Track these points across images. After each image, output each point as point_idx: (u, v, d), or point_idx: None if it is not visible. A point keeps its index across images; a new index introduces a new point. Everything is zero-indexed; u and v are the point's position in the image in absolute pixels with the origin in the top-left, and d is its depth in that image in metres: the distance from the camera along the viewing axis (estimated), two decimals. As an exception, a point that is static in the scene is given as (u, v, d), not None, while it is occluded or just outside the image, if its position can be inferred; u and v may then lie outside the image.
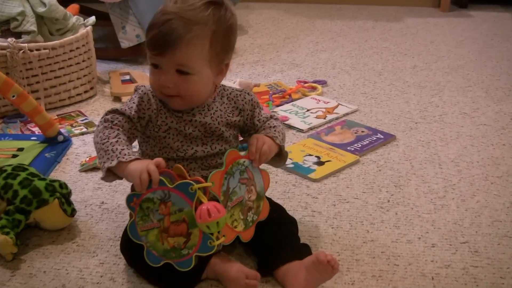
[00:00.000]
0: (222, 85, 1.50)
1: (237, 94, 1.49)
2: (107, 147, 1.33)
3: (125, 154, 1.31)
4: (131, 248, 1.39)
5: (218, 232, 1.32)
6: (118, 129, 1.36)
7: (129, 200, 1.35)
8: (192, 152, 1.42)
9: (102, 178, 1.35)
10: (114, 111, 1.39)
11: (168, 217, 1.32)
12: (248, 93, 1.51)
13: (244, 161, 1.41)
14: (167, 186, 1.31)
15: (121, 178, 1.34)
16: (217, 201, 1.32)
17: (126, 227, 1.40)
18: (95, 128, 2.13)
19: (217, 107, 1.46)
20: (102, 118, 1.40)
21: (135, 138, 1.43)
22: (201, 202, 1.30)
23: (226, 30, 1.39)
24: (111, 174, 1.33)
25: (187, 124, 1.42)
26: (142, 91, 1.42)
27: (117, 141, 1.33)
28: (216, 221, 1.27)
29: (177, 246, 1.32)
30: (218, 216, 1.27)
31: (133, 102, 1.41)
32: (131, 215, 1.36)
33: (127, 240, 1.39)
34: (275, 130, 1.48)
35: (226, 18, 1.38)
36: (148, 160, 1.31)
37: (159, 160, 1.31)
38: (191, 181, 1.30)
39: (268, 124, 1.50)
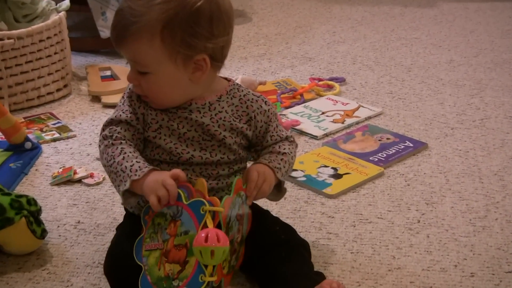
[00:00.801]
0: (237, 84, 1.54)
1: (251, 99, 1.52)
2: (116, 168, 1.41)
3: (136, 170, 1.39)
4: (118, 270, 1.42)
5: (213, 267, 1.34)
6: (120, 143, 1.44)
7: (146, 212, 1.42)
8: (188, 157, 1.46)
9: (123, 204, 1.43)
10: (109, 123, 1.48)
11: (173, 239, 1.37)
12: (266, 102, 1.54)
13: (243, 194, 1.45)
14: (182, 202, 1.37)
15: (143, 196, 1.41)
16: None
17: (111, 244, 1.45)
18: (70, 133, 2.16)
19: (221, 108, 1.49)
20: (100, 135, 1.48)
21: (142, 142, 1.49)
22: (207, 227, 1.34)
23: (189, 17, 1.40)
24: (131, 196, 1.41)
25: (182, 122, 1.46)
26: (130, 89, 1.50)
27: (123, 158, 1.41)
28: (211, 249, 1.30)
29: (170, 275, 1.35)
30: (215, 244, 1.31)
31: (125, 104, 1.49)
32: (141, 231, 1.42)
33: (113, 261, 1.43)
34: (281, 159, 1.52)
35: (190, 2, 1.40)
36: (165, 173, 1.38)
37: (177, 172, 1.38)
38: (204, 201, 1.36)
39: (279, 148, 1.54)
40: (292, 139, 1.58)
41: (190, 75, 1.44)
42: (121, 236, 1.51)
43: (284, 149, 1.54)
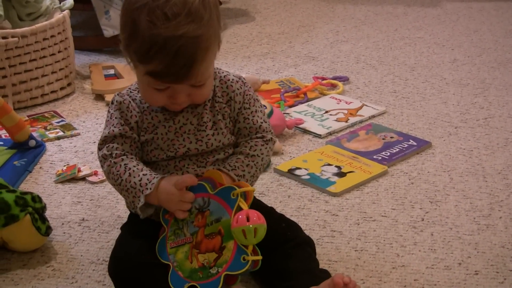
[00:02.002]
0: (216, 68, 1.55)
1: (232, 79, 1.54)
2: (125, 186, 1.44)
3: (146, 184, 1.43)
4: (123, 271, 1.43)
5: (254, 247, 1.37)
6: (122, 159, 1.46)
7: (166, 211, 1.45)
8: (184, 151, 1.49)
9: (142, 217, 1.46)
10: (104, 141, 1.49)
11: (203, 229, 1.40)
12: (245, 84, 1.55)
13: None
14: (208, 193, 1.42)
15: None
16: None
17: (116, 244, 1.47)
18: (74, 131, 2.17)
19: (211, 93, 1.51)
20: (99, 156, 1.50)
21: (140, 148, 1.51)
22: (241, 209, 1.38)
23: (216, 5, 1.43)
24: (147, 208, 1.44)
25: (178, 116, 1.49)
26: (117, 101, 1.51)
27: (130, 175, 1.44)
28: (254, 227, 1.34)
29: (206, 265, 1.38)
30: (257, 222, 1.34)
31: (115, 118, 1.50)
32: (162, 231, 1.45)
33: (118, 262, 1.44)
34: (247, 165, 1.51)
35: (215, 6, 1.43)
36: (173, 179, 1.42)
37: (185, 180, 1.41)
38: (234, 186, 1.40)
39: (250, 149, 1.53)
40: (268, 137, 1.55)
41: None
42: (125, 237, 1.52)
43: (255, 150, 1.53)
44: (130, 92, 1.53)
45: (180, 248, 1.41)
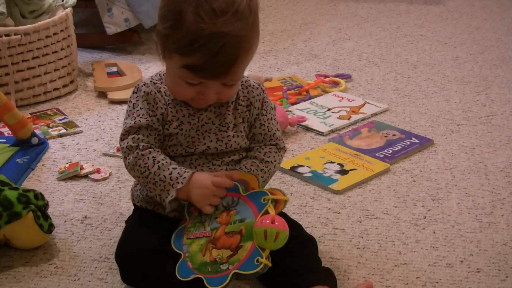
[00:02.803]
0: None
1: (252, 85, 1.56)
2: (153, 179, 1.44)
3: (176, 178, 1.43)
4: (129, 255, 1.43)
5: (270, 253, 1.37)
6: (149, 152, 1.45)
7: (191, 203, 1.46)
8: (203, 148, 1.50)
9: (168, 211, 1.46)
10: (128, 132, 1.47)
11: (224, 226, 1.41)
12: (263, 90, 1.57)
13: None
14: (239, 193, 1.44)
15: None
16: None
17: (123, 232, 1.51)
18: (76, 129, 2.17)
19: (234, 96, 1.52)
20: (123, 147, 1.47)
21: (162, 141, 1.50)
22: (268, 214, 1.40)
23: (256, 8, 1.45)
24: (173, 201, 1.44)
25: (202, 115, 1.49)
26: (144, 91, 1.49)
27: (159, 168, 1.44)
28: (277, 231, 1.35)
29: (218, 260, 1.38)
30: (281, 227, 1.36)
31: (140, 108, 1.48)
32: (182, 222, 1.47)
33: (125, 247, 1.45)
34: (262, 170, 1.52)
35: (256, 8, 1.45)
36: (207, 177, 1.43)
37: (219, 182, 1.43)
38: (266, 191, 1.42)
39: (264, 155, 1.54)
40: (281, 145, 1.58)
41: None
42: (133, 226, 1.53)
43: (269, 157, 1.55)
44: (154, 83, 1.51)
45: (197, 240, 1.42)
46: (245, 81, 1.55)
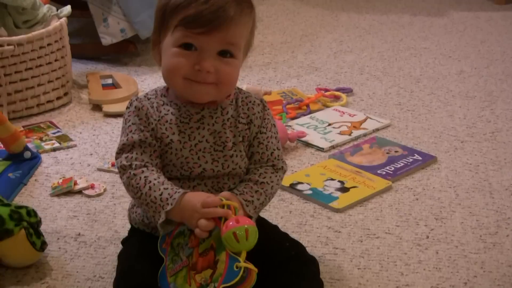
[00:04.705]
0: (238, 87, 1.55)
1: (253, 101, 1.54)
2: (145, 200, 1.41)
3: (166, 199, 1.39)
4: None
5: (247, 255, 1.35)
6: (142, 172, 1.43)
7: (162, 241, 1.44)
8: (199, 171, 1.46)
9: (162, 232, 1.44)
10: (121, 150, 1.46)
11: (197, 249, 1.39)
12: (265, 107, 1.55)
13: None
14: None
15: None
16: None
17: (121, 262, 1.47)
18: (70, 143, 2.17)
19: (231, 112, 1.50)
20: (117, 167, 1.46)
21: (160, 157, 1.48)
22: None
23: (255, 23, 1.50)
24: (168, 223, 1.42)
25: (193, 133, 1.47)
26: (136, 107, 1.48)
27: (150, 188, 1.41)
28: (245, 227, 1.32)
29: (203, 283, 1.37)
30: (248, 223, 1.33)
31: (132, 123, 1.47)
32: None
33: (126, 281, 1.41)
34: (256, 191, 1.48)
35: (255, 11, 1.50)
36: (198, 197, 1.39)
37: (207, 202, 1.37)
38: (221, 198, 1.39)
39: (259, 176, 1.50)
40: (279, 165, 1.54)
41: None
42: (130, 254, 1.49)
43: (264, 177, 1.50)
44: (148, 98, 1.51)
45: (179, 273, 1.40)
46: (246, 97, 1.54)
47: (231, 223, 1.33)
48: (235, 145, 1.49)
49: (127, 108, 1.50)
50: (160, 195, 1.40)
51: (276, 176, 1.53)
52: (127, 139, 1.46)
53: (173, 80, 1.45)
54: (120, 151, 1.47)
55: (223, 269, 1.35)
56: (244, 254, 1.35)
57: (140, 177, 1.43)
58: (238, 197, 1.44)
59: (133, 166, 1.44)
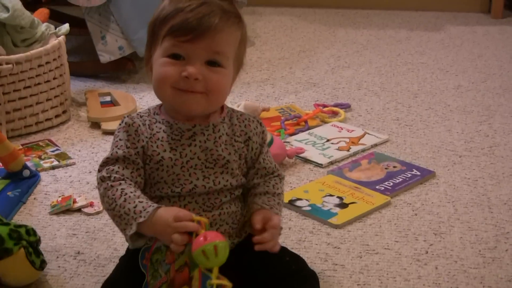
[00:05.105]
0: (230, 107, 1.57)
1: (248, 119, 1.55)
2: (119, 211, 1.40)
3: (140, 211, 1.38)
4: None
5: (219, 272, 1.33)
6: (119, 184, 1.43)
7: (142, 257, 1.43)
8: (190, 187, 1.46)
9: (131, 247, 1.43)
10: (105, 163, 1.46)
11: (173, 265, 1.38)
12: (260, 124, 1.57)
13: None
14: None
15: (153, 237, 1.41)
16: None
17: (107, 279, 1.47)
18: (69, 161, 2.17)
19: (224, 130, 1.51)
20: (97, 178, 1.46)
21: (143, 177, 1.48)
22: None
23: (246, 35, 1.52)
24: (138, 238, 1.40)
25: (185, 150, 1.47)
26: (126, 123, 1.49)
27: (125, 200, 1.40)
28: (213, 244, 1.30)
29: None
30: (216, 238, 1.31)
31: (120, 139, 1.47)
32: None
33: None
34: (278, 203, 1.53)
35: (244, 23, 1.51)
36: (171, 212, 1.37)
37: (179, 216, 1.36)
38: (192, 214, 1.37)
39: (273, 187, 1.54)
40: (282, 175, 1.59)
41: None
42: (118, 269, 1.51)
43: (278, 189, 1.55)
44: (140, 116, 1.52)
45: None
46: (240, 115, 1.55)
47: (201, 238, 1.32)
48: (228, 163, 1.49)
49: (119, 124, 1.51)
50: (134, 207, 1.39)
51: (282, 185, 1.58)
52: (111, 154, 1.46)
53: (162, 90, 1.47)
54: (104, 164, 1.47)
55: (197, 286, 1.34)
56: (216, 270, 1.32)
57: (117, 189, 1.42)
58: (270, 211, 1.48)
59: (112, 178, 1.43)
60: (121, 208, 1.40)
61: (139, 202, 1.40)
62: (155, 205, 1.40)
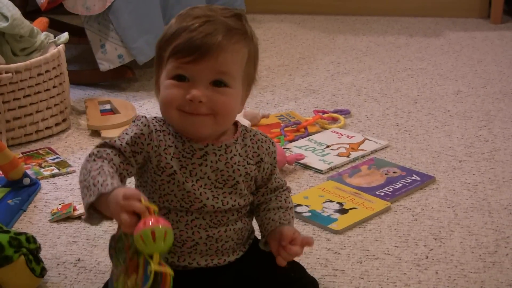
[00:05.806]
0: (244, 126, 1.54)
1: (261, 139, 1.53)
2: (88, 182, 1.33)
3: (107, 185, 1.30)
4: None
5: (160, 256, 1.26)
6: (102, 161, 1.37)
7: (110, 245, 1.42)
8: (199, 206, 1.44)
9: (85, 220, 1.36)
10: (102, 145, 1.43)
11: (128, 253, 1.33)
12: (272, 143, 1.55)
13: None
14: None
15: (110, 218, 1.34)
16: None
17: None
18: (69, 169, 2.18)
19: (236, 151, 1.48)
20: (87, 155, 1.41)
21: (130, 175, 1.44)
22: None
23: (256, 50, 1.50)
24: (96, 214, 1.33)
25: (195, 169, 1.44)
26: (142, 122, 1.45)
27: (99, 173, 1.33)
28: (150, 230, 1.23)
29: None
30: (154, 224, 1.24)
31: (127, 134, 1.43)
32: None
33: None
34: (292, 217, 1.54)
35: (255, 37, 1.48)
36: (124, 191, 1.29)
37: (128, 193, 1.28)
38: (140, 193, 1.30)
39: (285, 201, 1.55)
40: (288, 186, 1.60)
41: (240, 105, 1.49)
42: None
43: (289, 202, 1.56)
44: (157, 121, 1.47)
45: (120, 279, 1.34)
46: (254, 135, 1.52)
47: (141, 223, 1.25)
48: (237, 184, 1.47)
49: (137, 119, 1.46)
50: (104, 181, 1.31)
51: (290, 197, 1.58)
52: (111, 140, 1.43)
53: (168, 113, 1.44)
54: (99, 145, 1.43)
55: (141, 273, 1.29)
56: (156, 257, 1.26)
57: (97, 163, 1.36)
58: (289, 225, 1.50)
59: (99, 155, 1.39)
60: (92, 179, 1.33)
61: (111, 178, 1.32)
62: (122, 185, 1.33)
